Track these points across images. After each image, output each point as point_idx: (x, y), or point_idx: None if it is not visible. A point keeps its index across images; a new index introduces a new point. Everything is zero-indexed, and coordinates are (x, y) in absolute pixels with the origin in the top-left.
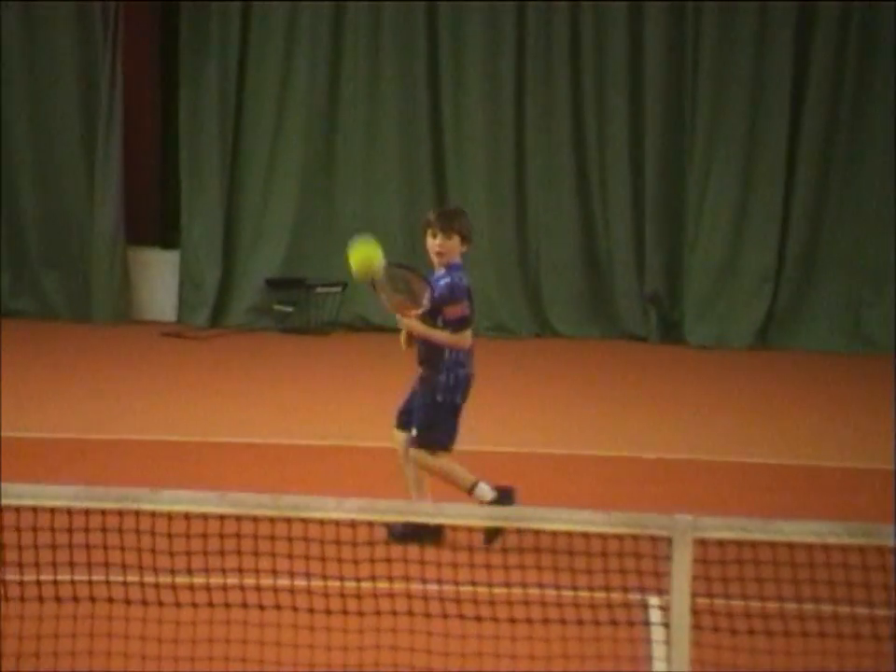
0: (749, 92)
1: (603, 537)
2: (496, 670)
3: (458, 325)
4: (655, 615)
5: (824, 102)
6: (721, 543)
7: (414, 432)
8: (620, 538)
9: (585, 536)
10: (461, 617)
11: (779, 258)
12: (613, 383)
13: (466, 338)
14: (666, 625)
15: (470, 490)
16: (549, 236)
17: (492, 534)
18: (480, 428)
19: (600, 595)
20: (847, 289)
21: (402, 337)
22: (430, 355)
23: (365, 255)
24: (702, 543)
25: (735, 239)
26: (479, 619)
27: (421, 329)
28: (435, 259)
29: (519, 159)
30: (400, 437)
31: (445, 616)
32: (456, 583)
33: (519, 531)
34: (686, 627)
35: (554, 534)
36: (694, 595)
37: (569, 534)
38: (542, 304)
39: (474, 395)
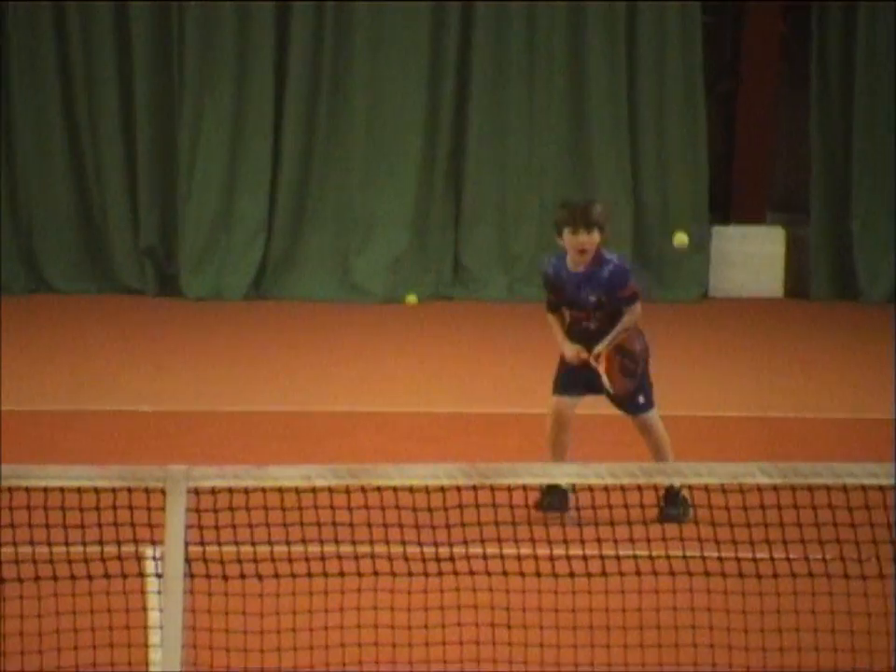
0: (236, 40)
1: (97, 491)
2: None
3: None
4: (150, 566)
5: (306, 63)
6: (214, 491)
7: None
8: (114, 491)
9: (79, 491)
10: None
11: (270, 209)
12: (115, 338)
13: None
14: (160, 575)
15: None
16: (40, 192)
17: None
18: None
19: (94, 550)
20: (335, 239)
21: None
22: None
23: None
24: (196, 492)
25: (228, 191)
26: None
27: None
28: (578, 258)
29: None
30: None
31: None
32: None
33: (10, 489)
34: (180, 576)
35: (45, 490)
36: (189, 543)
37: (62, 490)
38: (37, 261)
39: None
